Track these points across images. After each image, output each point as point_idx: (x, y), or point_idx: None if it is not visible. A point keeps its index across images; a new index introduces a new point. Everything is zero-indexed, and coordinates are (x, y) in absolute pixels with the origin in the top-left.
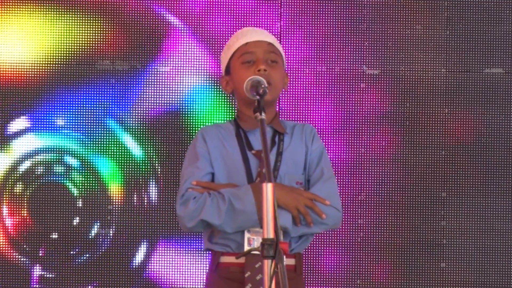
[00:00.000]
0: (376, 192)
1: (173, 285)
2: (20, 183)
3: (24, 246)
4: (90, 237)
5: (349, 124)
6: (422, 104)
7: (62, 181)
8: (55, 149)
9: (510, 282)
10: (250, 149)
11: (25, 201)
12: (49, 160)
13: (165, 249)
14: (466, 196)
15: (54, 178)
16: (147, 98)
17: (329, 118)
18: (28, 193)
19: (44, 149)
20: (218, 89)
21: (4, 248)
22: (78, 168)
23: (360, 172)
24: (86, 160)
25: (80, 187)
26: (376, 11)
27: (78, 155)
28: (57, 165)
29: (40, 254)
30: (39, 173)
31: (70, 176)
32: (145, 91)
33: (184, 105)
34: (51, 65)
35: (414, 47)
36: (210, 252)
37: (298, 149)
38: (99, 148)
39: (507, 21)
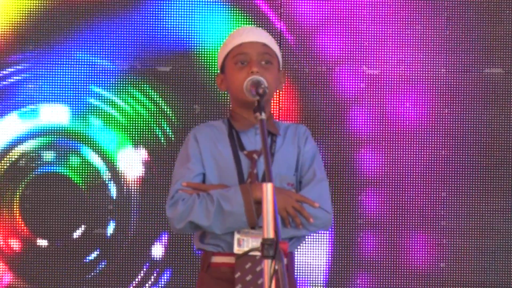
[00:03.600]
0: (376, 192)
1: (167, 285)
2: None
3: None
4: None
5: (349, 124)
6: (422, 104)
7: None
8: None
9: (510, 282)
10: (242, 149)
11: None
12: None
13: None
14: (466, 196)
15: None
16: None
17: (329, 118)
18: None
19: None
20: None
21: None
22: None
23: (360, 172)
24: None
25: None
26: (376, 11)
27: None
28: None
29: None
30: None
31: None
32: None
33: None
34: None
35: (414, 47)
36: (201, 252)
37: (290, 150)
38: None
39: (507, 21)
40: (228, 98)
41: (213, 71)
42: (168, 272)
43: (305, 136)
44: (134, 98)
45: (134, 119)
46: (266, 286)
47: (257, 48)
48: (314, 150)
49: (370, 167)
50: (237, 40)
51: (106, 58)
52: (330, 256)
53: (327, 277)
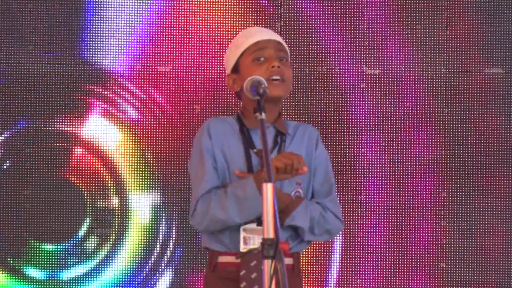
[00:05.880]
0: (376, 192)
1: (174, 285)
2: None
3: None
4: (89, 237)
5: (349, 124)
6: (422, 104)
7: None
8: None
9: (510, 282)
10: (253, 147)
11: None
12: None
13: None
14: (466, 196)
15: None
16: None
17: (329, 118)
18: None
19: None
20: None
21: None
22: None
23: (360, 172)
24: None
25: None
26: (376, 11)
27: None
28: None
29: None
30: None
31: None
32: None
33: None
34: (51, 65)
35: (414, 47)
36: (208, 251)
37: (299, 150)
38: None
39: (507, 21)
40: (228, 97)
41: (213, 71)
42: (171, 272)
43: (316, 138)
44: (135, 98)
45: (134, 119)
46: (266, 286)
47: (273, 45)
48: (325, 154)
49: (370, 167)
50: (252, 39)
51: (106, 58)
52: (330, 256)
53: (328, 277)
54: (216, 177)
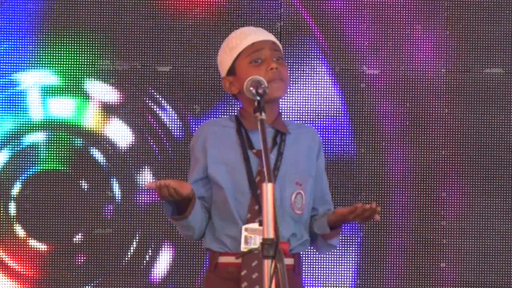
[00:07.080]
0: (376, 192)
1: (173, 285)
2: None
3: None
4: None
5: (349, 124)
6: (422, 104)
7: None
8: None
9: (510, 282)
10: (251, 148)
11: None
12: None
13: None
14: (466, 196)
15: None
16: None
17: (329, 118)
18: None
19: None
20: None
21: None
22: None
23: (360, 172)
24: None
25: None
26: (376, 11)
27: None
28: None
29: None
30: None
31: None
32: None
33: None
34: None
35: (414, 47)
36: (208, 251)
37: (300, 150)
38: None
39: (507, 21)
40: (228, 97)
41: (213, 71)
42: (172, 272)
43: (318, 145)
44: (136, 98)
45: (134, 119)
46: (266, 286)
47: (269, 46)
48: (323, 162)
49: (369, 167)
50: (247, 40)
51: (107, 58)
52: (330, 256)
53: (328, 277)
54: (196, 189)
